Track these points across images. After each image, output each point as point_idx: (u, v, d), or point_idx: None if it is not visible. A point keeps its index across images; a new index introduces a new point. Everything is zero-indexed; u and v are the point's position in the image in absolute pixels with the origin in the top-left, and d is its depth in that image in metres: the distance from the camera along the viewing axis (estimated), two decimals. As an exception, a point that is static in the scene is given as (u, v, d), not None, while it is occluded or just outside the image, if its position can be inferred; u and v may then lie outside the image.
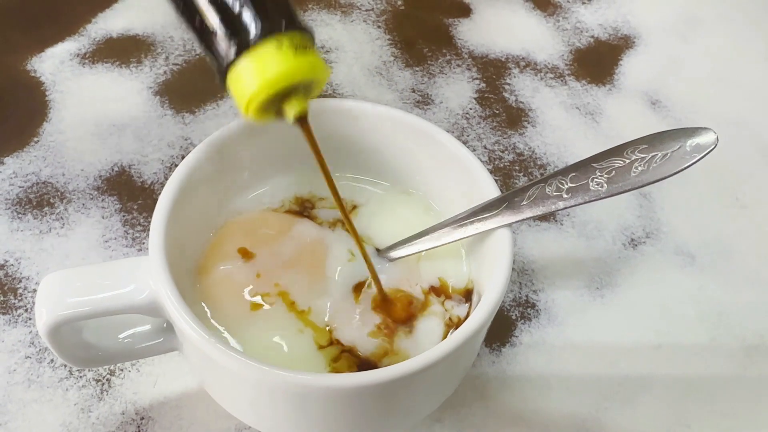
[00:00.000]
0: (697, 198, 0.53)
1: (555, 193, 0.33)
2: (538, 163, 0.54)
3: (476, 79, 0.60)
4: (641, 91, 0.61)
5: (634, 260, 0.49)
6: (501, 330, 0.44)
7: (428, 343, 0.35)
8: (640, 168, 0.31)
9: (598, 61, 0.64)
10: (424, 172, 0.40)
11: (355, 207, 0.41)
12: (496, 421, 0.40)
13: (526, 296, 0.46)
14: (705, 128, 0.31)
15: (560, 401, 0.41)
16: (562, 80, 0.61)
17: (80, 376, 0.40)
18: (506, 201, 0.34)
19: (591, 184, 0.32)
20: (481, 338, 0.34)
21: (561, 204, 0.33)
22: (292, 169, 0.41)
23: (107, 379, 0.40)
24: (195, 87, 0.57)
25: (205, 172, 0.37)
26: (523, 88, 0.60)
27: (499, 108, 0.58)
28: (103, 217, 0.48)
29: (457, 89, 0.59)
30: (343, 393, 0.29)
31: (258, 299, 0.36)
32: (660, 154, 0.31)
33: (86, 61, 0.58)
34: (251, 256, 0.37)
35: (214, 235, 0.39)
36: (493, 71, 0.61)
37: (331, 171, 0.41)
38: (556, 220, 0.51)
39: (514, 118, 0.58)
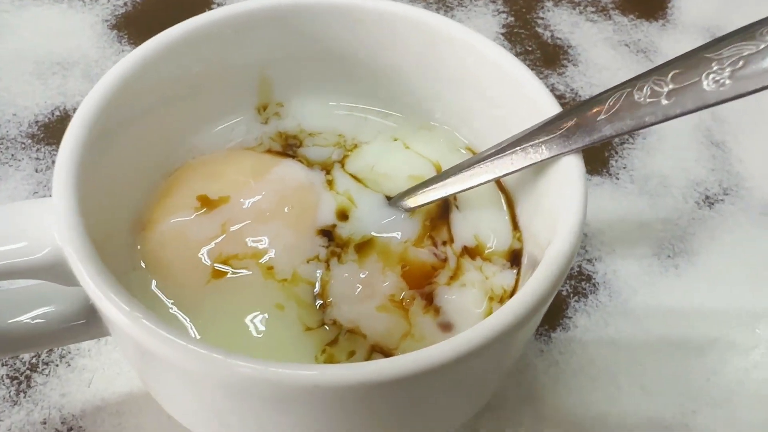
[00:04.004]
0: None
1: (649, 100, 0.22)
2: (584, 106, 0.44)
3: (502, 12, 0.50)
4: (701, 26, 0.51)
5: (711, 222, 0.39)
6: (549, 309, 0.34)
7: (463, 323, 0.25)
8: (786, 54, 0.21)
9: (646, -7, 0.53)
10: (449, 95, 0.30)
11: (356, 146, 0.31)
12: (550, 430, 0.30)
13: (579, 267, 0.36)
14: None
15: (633, 404, 0.31)
16: (605, 14, 0.51)
17: (-10, 373, 0.30)
18: (574, 116, 0.24)
19: (706, 81, 0.22)
20: (539, 318, 0.24)
21: (660, 113, 0.22)
22: (273, 93, 0.31)
23: (26, 377, 0.30)
24: (162, 19, 0.46)
25: (151, 91, 0.27)
26: (559, 22, 0.50)
27: (532, 45, 0.48)
28: (36, 171, 0.38)
29: (480, 24, 0.49)
30: (339, 394, 0.19)
31: (222, 265, 0.26)
32: (818, 31, 0.20)
33: (30, -9, 0.48)
34: (215, 205, 0.27)
35: (167, 180, 0.28)
36: (522, 4, 0.51)
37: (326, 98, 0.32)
38: (610, 174, 0.40)
39: (551, 56, 0.47)
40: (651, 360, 0.33)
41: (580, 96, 0.45)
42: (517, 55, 0.48)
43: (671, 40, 0.50)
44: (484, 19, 0.50)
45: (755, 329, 0.34)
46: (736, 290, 0.36)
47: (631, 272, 0.36)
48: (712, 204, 0.40)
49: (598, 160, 0.41)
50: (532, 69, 0.46)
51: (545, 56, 0.48)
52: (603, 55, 0.48)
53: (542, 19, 0.50)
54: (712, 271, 0.37)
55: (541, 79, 0.47)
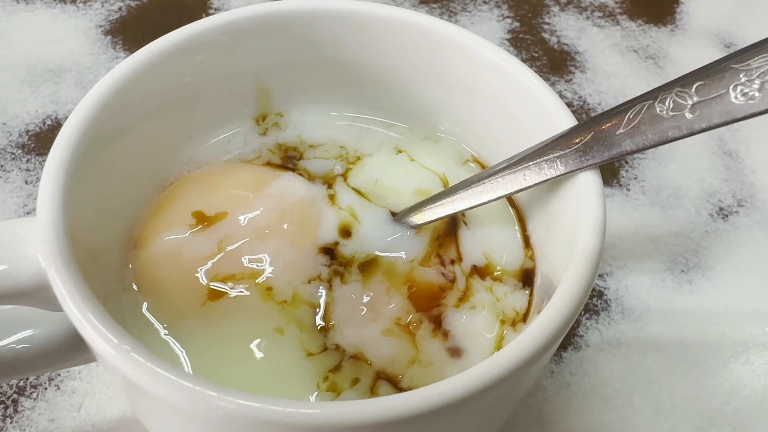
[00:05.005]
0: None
1: (672, 113, 0.21)
2: (592, 114, 0.43)
3: (507, 17, 0.49)
4: (711, 32, 0.50)
5: (726, 235, 0.37)
6: (560, 328, 0.32)
7: (474, 349, 0.23)
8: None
9: (654, -2, 0.52)
10: (456, 104, 0.29)
11: (359, 158, 0.29)
12: (562, 457, 0.28)
13: (590, 282, 0.34)
14: None
15: (648, 426, 0.30)
16: (612, 19, 0.50)
17: (-25, 397, 0.29)
18: (591, 129, 0.23)
19: (734, 94, 0.20)
20: (556, 347, 0.22)
21: (684, 128, 0.21)
22: (272, 103, 0.29)
23: (13, 401, 0.29)
24: (157, 25, 0.46)
25: (145, 101, 0.25)
26: (566, 28, 0.49)
27: (538, 50, 0.47)
28: (26, 182, 0.37)
29: (485, 29, 0.48)
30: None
31: (219, 284, 0.24)
32: None
33: (22, -5, 0.46)
34: (211, 222, 0.26)
35: (160, 194, 0.27)
36: (527, 9, 0.50)
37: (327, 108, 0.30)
38: (620, 185, 0.39)
39: (558, 62, 0.46)
40: (666, 380, 0.31)
41: (588, 103, 0.44)
42: (522, 61, 0.46)
43: (680, 46, 0.48)
44: (488, 25, 0.48)
45: (774, 348, 0.33)
46: (753, 307, 0.35)
47: (644, 288, 0.35)
48: (726, 216, 0.38)
49: (608, 170, 0.40)
50: (539, 75, 0.45)
51: (552, 62, 0.46)
52: (611, 61, 0.47)
53: (548, 24, 0.49)
54: (727, 287, 0.35)
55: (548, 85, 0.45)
